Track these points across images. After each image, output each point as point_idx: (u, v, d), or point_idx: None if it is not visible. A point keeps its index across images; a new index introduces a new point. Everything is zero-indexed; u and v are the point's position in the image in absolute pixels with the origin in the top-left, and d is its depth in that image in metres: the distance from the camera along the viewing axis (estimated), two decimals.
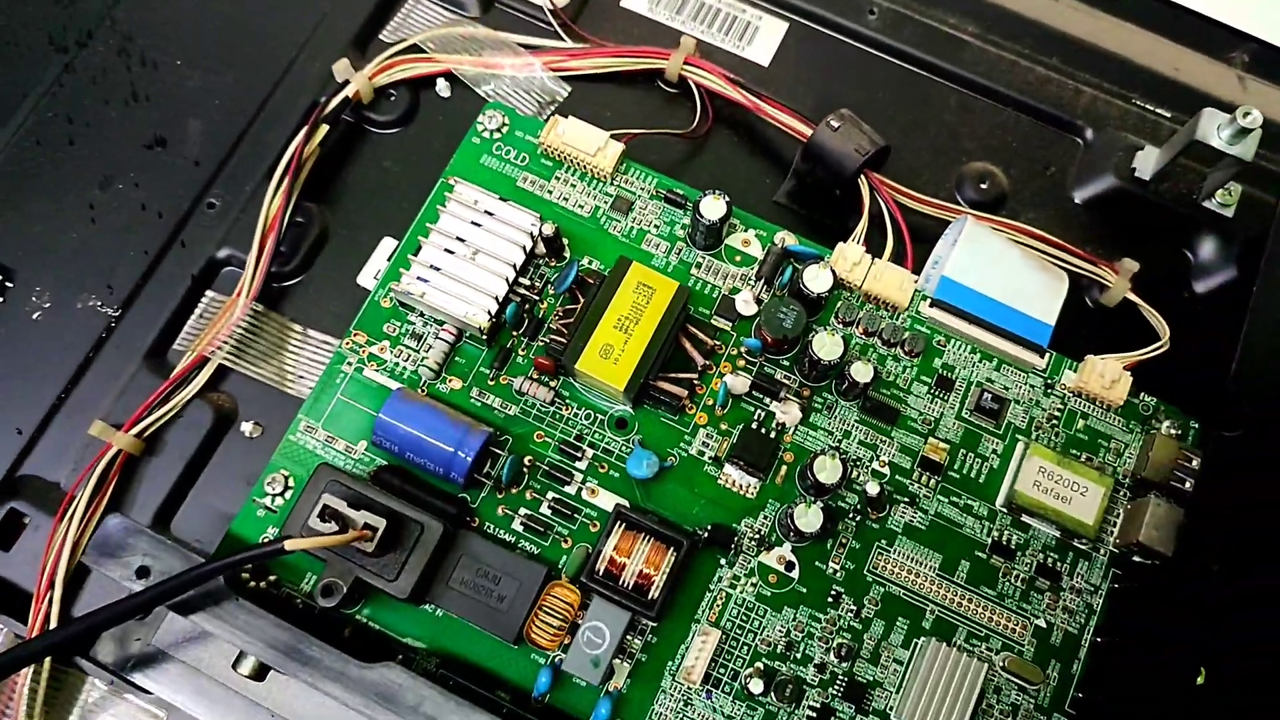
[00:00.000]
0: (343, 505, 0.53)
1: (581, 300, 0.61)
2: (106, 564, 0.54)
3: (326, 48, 0.71)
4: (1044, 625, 0.58)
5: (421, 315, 0.61)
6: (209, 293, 0.66)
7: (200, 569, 0.50)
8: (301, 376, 0.64)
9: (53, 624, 0.58)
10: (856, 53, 0.73)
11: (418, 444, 0.57)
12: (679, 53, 0.69)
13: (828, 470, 0.57)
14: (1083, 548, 0.59)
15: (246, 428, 0.64)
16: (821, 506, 0.57)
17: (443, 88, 0.71)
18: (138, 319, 0.65)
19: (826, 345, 0.58)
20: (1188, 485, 0.59)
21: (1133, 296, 0.65)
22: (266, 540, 0.56)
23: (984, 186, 0.69)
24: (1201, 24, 0.78)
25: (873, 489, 0.57)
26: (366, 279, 0.67)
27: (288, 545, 0.49)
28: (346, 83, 0.68)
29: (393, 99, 0.70)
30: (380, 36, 0.73)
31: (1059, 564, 0.59)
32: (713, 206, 0.61)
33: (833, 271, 0.60)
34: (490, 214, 0.62)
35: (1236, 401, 0.59)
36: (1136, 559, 0.59)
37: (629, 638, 0.56)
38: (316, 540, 0.50)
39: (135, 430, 0.62)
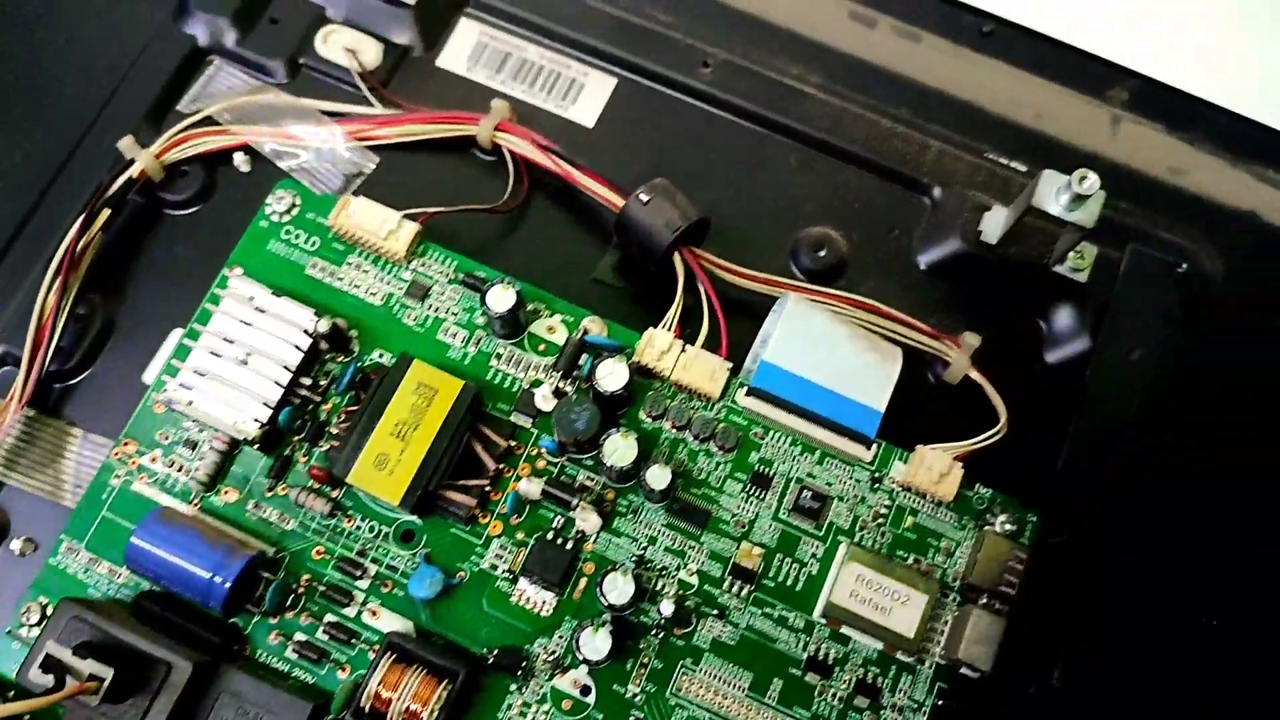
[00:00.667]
0: (66, 654, 0.48)
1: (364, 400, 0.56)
2: None
3: (120, 121, 0.67)
4: None
5: (196, 421, 0.57)
6: None
7: None
8: (79, 486, 0.60)
9: None
10: (688, 109, 0.68)
11: (173, 570, 0.53)
12: (490, 118, 0.64)
13: (619, 589, 0.52)
14: (906, 661, 0.54)
15: (15, 545, 0.59)
16: (611, 630, 0.52)
17: (241, 162, 0.66)
18: None
19: (619, 449, 0.54)
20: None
21: (974, 374, 0.60)
22: None
23: (821, 254, 0.64)
24: (1076, 59, 0.72)
25: (667, 609, 0.53)
26: (152, 376, 0.62)
27: None
28: (132, 161, 0.64)
29: (186, 176, 0.65)
30: (178, 107, 0.68)
31: (880, 679, 0.54)
32: (500, 297, 0.56)
33: (631, 366, 0.55)
34: (262, 311, 0.57)
35: (1065, 499, 0.54)
36: (965, 671, 0.54)
37: None
38: (12, 707, 0.45)
39: None
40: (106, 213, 0.62)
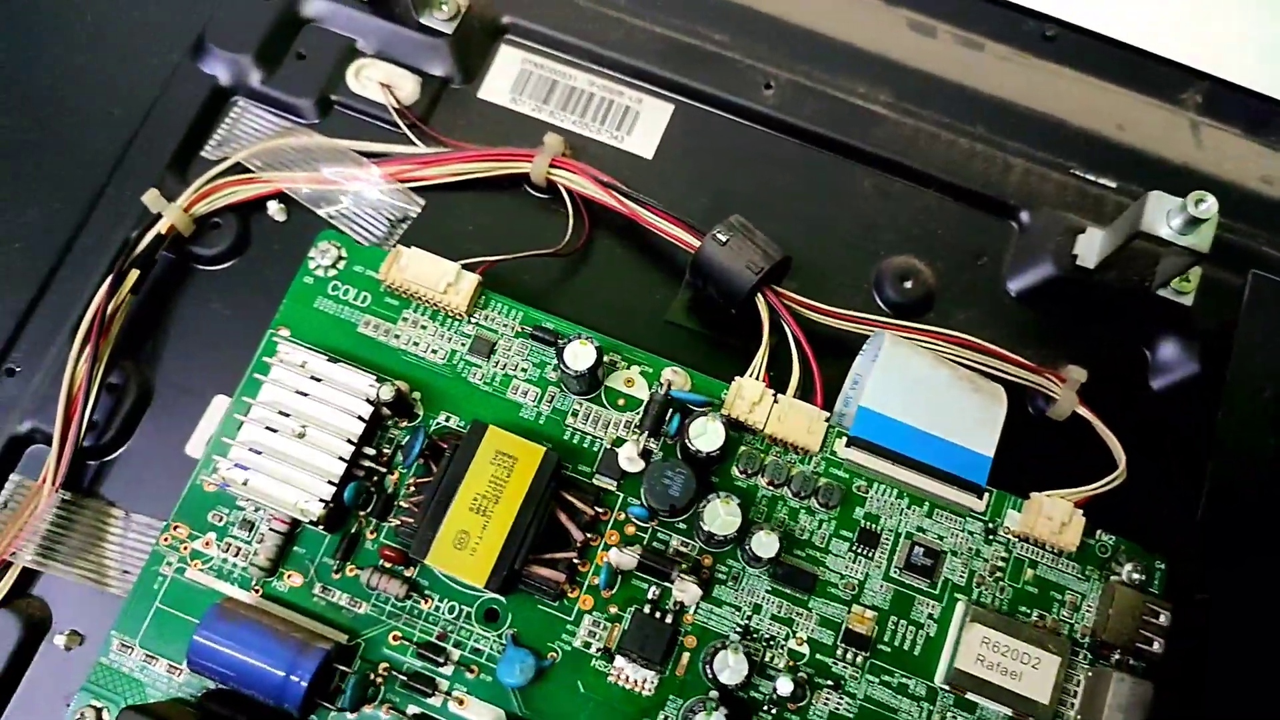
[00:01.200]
0: None
1: (435, 469, 0.52)
2: None
3: (141, 170, 0.62)
4: None
5: (252, 501, 0.52)
6: (13, 477, 0.57)
7: None
8: (126, 571, 0.55)
9: None
10: (753, 134, 0.63)
11: (243, 670, 0.48)
12: (544, 154, 0.60)
13: (730, 669, 0.48)
14: None
15: (60, 640, 0.54)
16: (726, 714, 0.48)
17: (276, 210, 0.61)
18: None
19: (720, 518, 0.49)
20: (1155, 647, 0.50)
21: (1084, 411, 0.56)
22: None
23: (907, 285, 0.60)
24: (1146, 63, 0.68)
25: (784, 687, 0.48)
26: (196, 448, 0.57)
27: None
28: (159, 216, 0.59)
29: (219, 228, 0.61)
30: (203, 153, 0.63)
31: None
32: (579, 354, 0.51)
33: (725, 422, 0.51)
34: (318, 380, 0.52)
35: (1203, 554, 0.51)
36: None
37: None
38: None
39: None
40: (135, 274, 0.58)
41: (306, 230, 0.60)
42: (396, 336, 0.55)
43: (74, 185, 0.62)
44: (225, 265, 0.61)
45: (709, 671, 0.48)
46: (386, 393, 0.52)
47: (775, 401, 0.53)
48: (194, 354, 0.59)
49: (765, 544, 0.49)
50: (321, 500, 0.50)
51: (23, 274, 0.60)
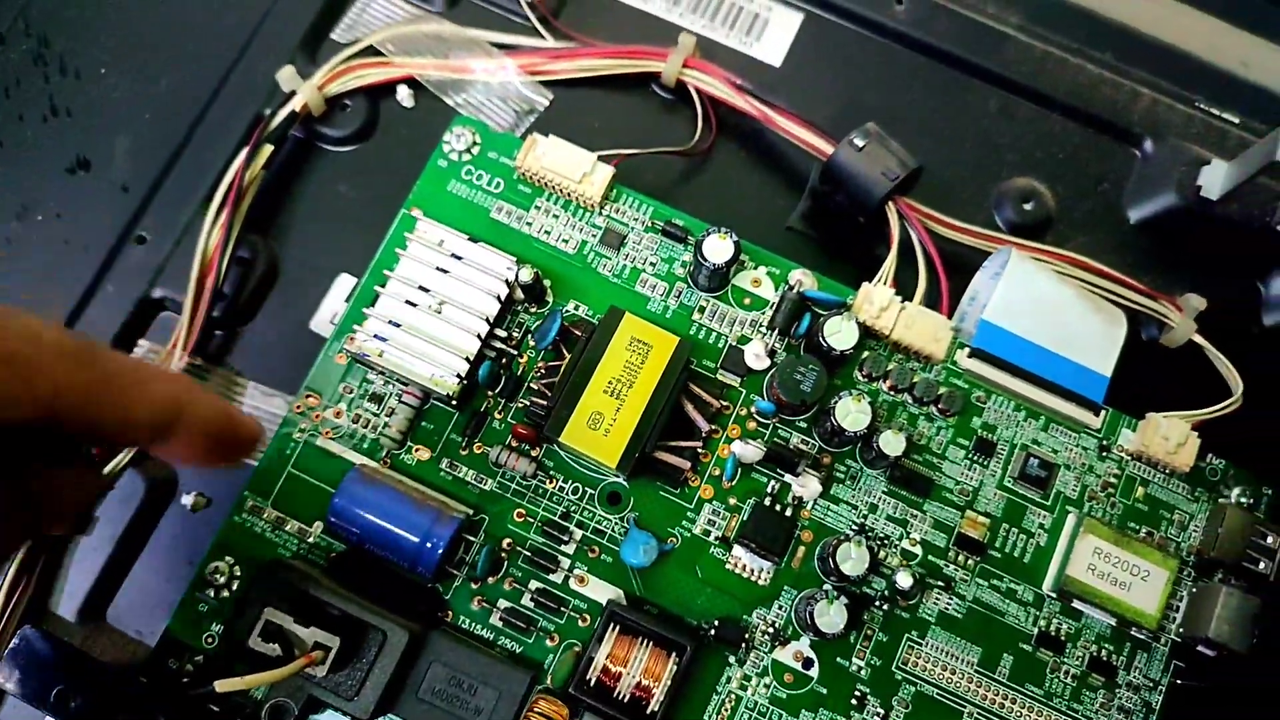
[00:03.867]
0: (288, 620, 0.45)
1: (566, 354, 0.53)
2: (21, 687, 0.46)
3: (271, 50, 0.62)
4: None
5: (381, 373, 0.53)
6: (142, 342, 0.58)
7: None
8: None
9: None
10: (881, 49, 0.63)
11: (379, 534, 0.49)
12: (677, 53, 0.60)
13: (853, 560, 0.49)
14: (1141, 637, 0.52)
15: (188, 500, 0.56)
16: (846, 603, 0.49)
17: (405, 96, 0.62)
18: None
19: (851, 414, 0.50)
20: (1261, 567, 0.51)
21: (1200, 340, 0.56)
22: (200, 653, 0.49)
23: (1028, 207, 0.61)
24: (1271, 5, 0.68)
25: (904, 581, 0.50)
26: (321, 324, 0.58)
27: (218, 687, 0.41)
28: (293, 94, 0.59)
29: (348, 110, 0.61)
30: (332, 36, 0.63)
31: (1114, 657, 0.52)
32: (718, 248, 0.52)
33: (859, 324, 0.52)
34: (458, 258, 0.53)
35: None
36: (1202, 650, 0.51)
37: None
38: (253, 679, 0.42)
39: None
40: (269, 149, 0.58)
41: (434, 117, 0.61)
42: (528, 224, 0.56)
43: (205, 60, 0.62)
44: (352, 148, 0.61)
45: (831, 562, 0.50)
46: (526, 275, 0.52)
47: (903, 308, 0.54)
48: (319, 233, 0.60)
49: (893, 442, 0.50)
50: (457, 375, 0.51)
51: (152, 144, 0.61)
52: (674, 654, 0.49)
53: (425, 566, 0.49)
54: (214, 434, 0.39)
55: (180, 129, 0.61)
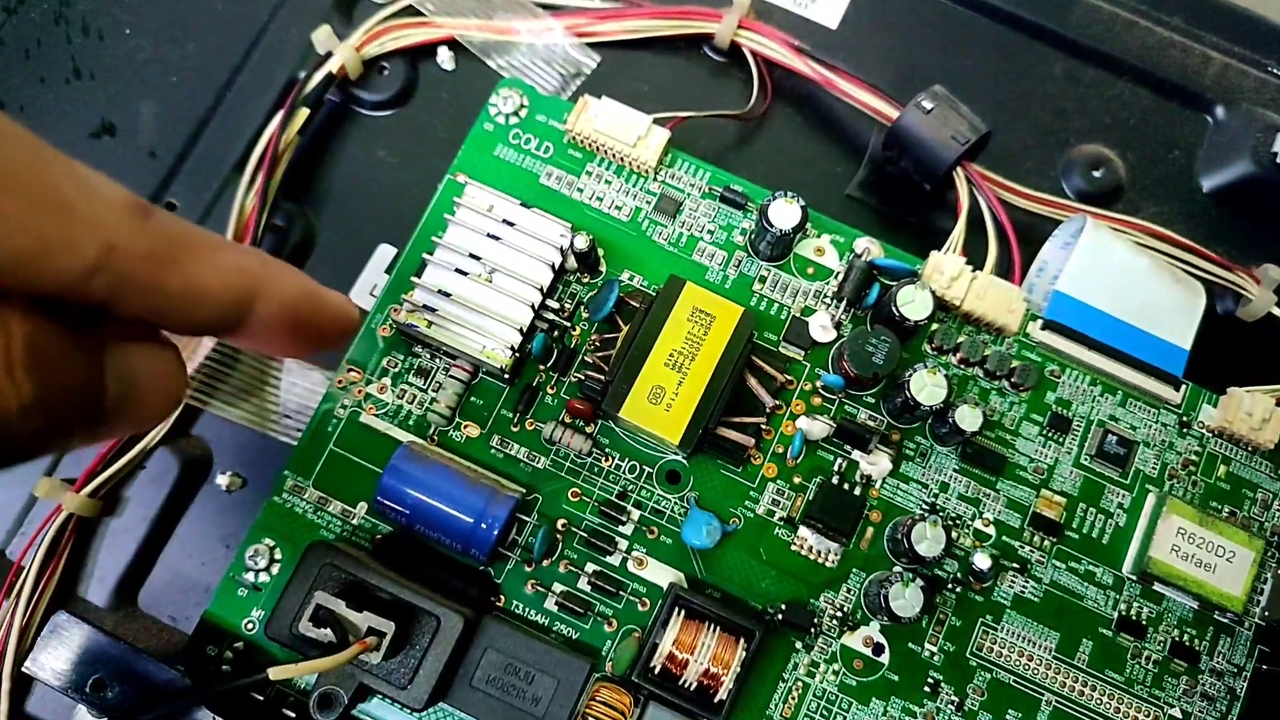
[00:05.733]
0: (340, 605, 0.42)
1: (623, 326, 0.50)
2: (55, 675, 0.44)
3: (304, 10, 0.59)
4: (1179, 716, 0.49)
5: (428, 345, 0.51)
6: None
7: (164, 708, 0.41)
8: (287, 417, 0.54)
9: None
10: (941, 10, 0.61)
11: (431, 515, 0.47)
12: (732, 13, 0.57)
13: (929, 540, 0.47)
14: (1224, 621, 0.50)
15: (223, 480, 0.53)
16: (922, 585, 0.47)
17: (445, 58, 0.59)
18: None
19: (927, 387, 0.48)
20: None
21: (1278, 311, 0.54)
22: (248, 643, 0.47)
23: (1097, 175, 0.58)
24: None
25: (982, 562, 0.47)
26: (361, 296, 0.56)
27: (272, 674, 0.39)
28: (329, 55, 0.56)
29: (385, 73, 0.58)
30: None
31: (1197, 641, 0.49)
32: (785, 213, 0.50)
33: (933, 294, 0.49)
34: (510, 224, 0.50)
35: None
36: None
37: None
38: (308, 665, 0.40)
39: (89, 489, 0.51)
40: (305, 112, 0.55)
41: (476, 81, 0.58)
42: (580, 190, 0.53)
43: (235, 20, 0.59)
44: (390, 112, 0.59)
45: (905, 543, 0.47)
46: (581, 242, 0.50)
47: (974, 278, 0.51)
48: (357, 201, 0.57)
49: (969, 417, 0.48)
50: (510, 348, 0.49)
51: (180, 108, 0.58)
52: (742, 639, 0.46)
53: (480, 548, 0.47)
54: (298, 316, 0.32)
55: (210, 93, 0.58)
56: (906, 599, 0.46)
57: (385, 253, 0.56)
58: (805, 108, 0.59)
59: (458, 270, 0.50)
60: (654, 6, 0.59)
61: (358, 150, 0.58)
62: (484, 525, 0.47)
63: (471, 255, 0.50)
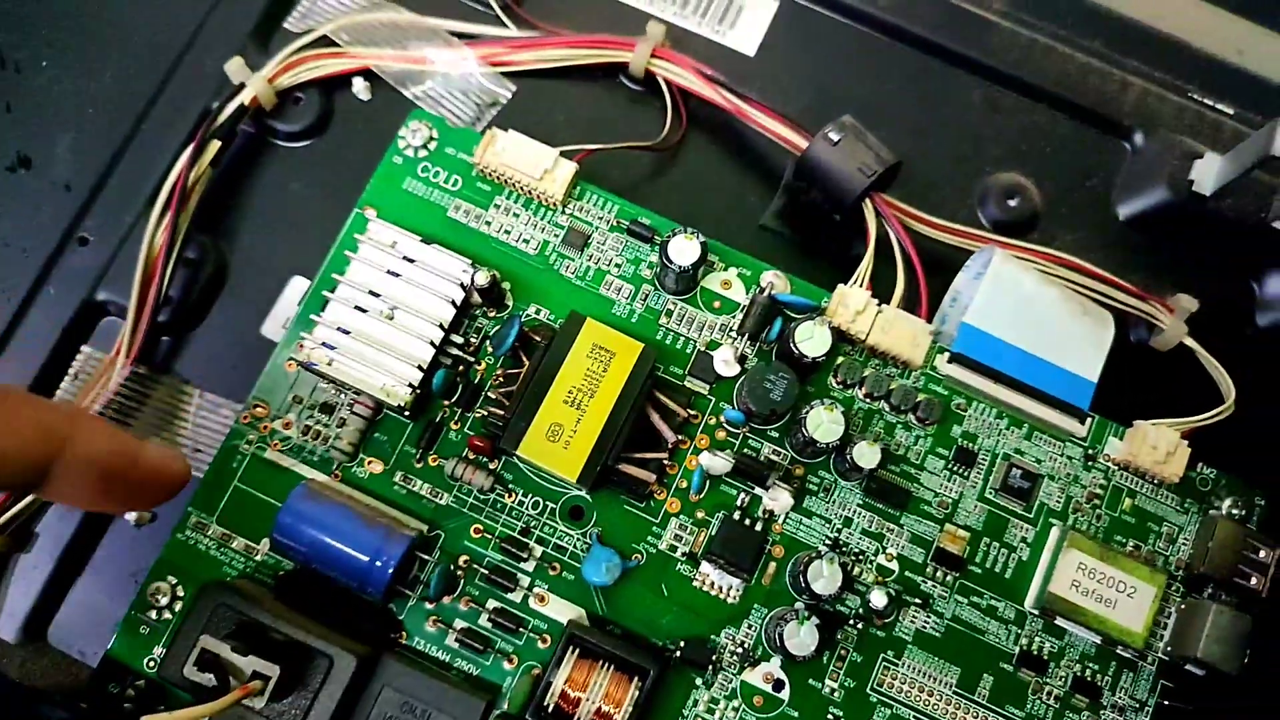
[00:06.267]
0: (224, 649, 0.43)
1: (527, 361, 0.50)
2: None
3: (220, 41, 0.59)
4: None
5: (331, 382, 0.51)
6: (84, 348, 0.55)
7: None
8: (198, 450, 0.54)
9: None
10: (860, 37, 0.61)
11: (327, 553, 0.47)
12: (645, 43, 0.57)
13: (824, 579, 0.47)
14: (1127, 656, 0.50)
15: (131, 515, 0.53)
16: (817, 624, 0.47)
17: (361, 88, 0.59)
18: (1, 381, 0.54)
19: (824, 425, 0.48)
20: (1254, 583, 0.49)
21: (1191, 343, 0.54)
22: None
23: (1012, 204, 0.58)
24: None
25: (879, 600, 0.47)
26: (273, 329, 0.56)
27: None
28: (242, 86, 0.56)
29: (300, 104, 0.58)
30: (285, 25, 0.60)
31: (1099, 676, 0.49)
32: (684, 249, 0.50)
33: (831, 330, 0.49)
34: (411, 260, 0.50)
35: None
36: (1190, 669, 0.49)
37: None
38: (184, 714, 0.40)
39: None
40: (216, 145, 0.55)
41: (391, 111, 0.58)
42: (487, 224, 0.53)
43: (151, 51, 0.59)
44: (305, 143, 0.59)
45: (802, 581, 0.47)
46: (482, 278, 0.50)
47: (879, 311, 0.51)
48: (271, 233, 0.57)
49: (867, 455, 0.48)
50: (410, 385, 0.49)
51: (96, 141, 0.58)
52: (637, 678, 0.46)
53: (375, 587, 0.47)
54: (107, 474, 0.33)
55: (125, 125, 0.58)
56: (801, 638, 0.46)
57: (299, 284, 0.56)
58: (720, 137, 0.59)
59: (358, 308, 0.50)
60: (570, 36, 0.58)
61: (272, 181, 0.58)
62: (379, 563, 0.47)
63: (372, 292, 0.50)
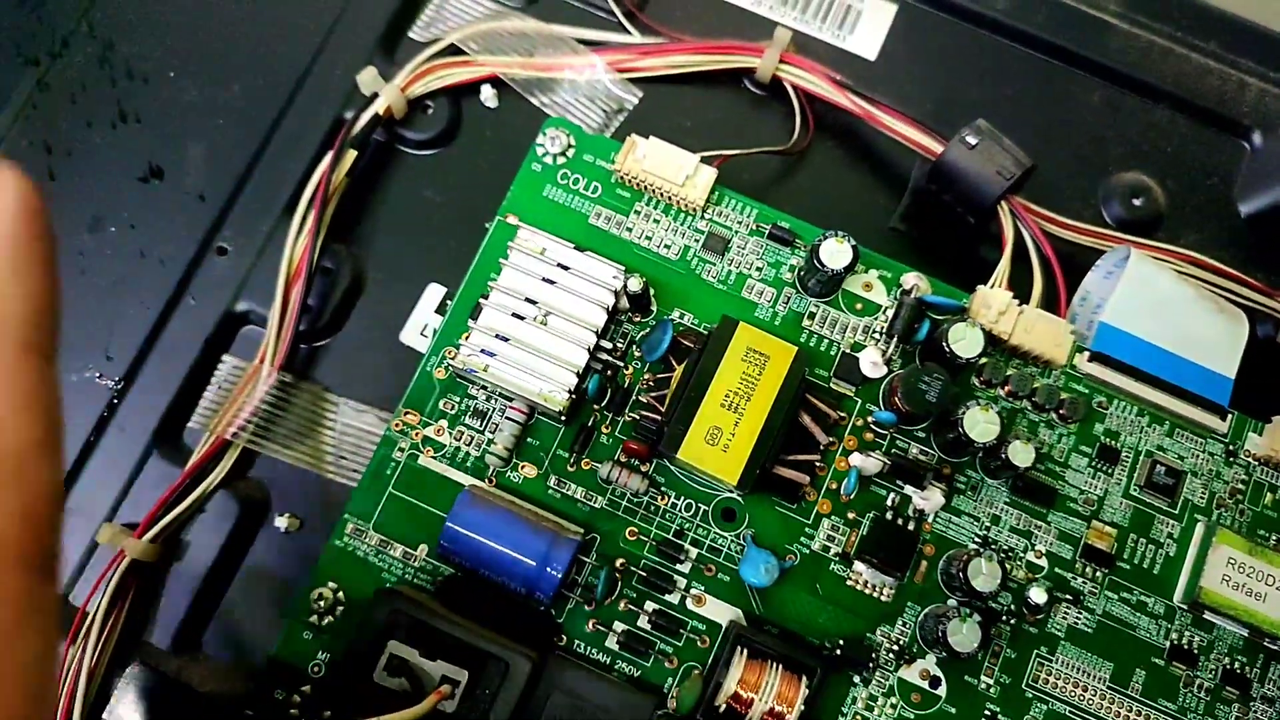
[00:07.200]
0: (414, 654, 0.43)
1: (675, 365, 0.51)
2: None
3: (347, 50, 0.60)
4: None
5: (484, 388, 0.51)
6: (226, 358, 0.56)
7: None
8: (343, 458, 0.54)
9: None
10: (979, 40, 0.61)
11: (495, 559, 0.48)
12: (773, 48, 0.58)
13: (984, 575, 0.48)
14: (1274, 648, 0.50)
15: (281, 522, 0.54)
16: (979, 621, 0.47)
17: (489, 96, 0.59)
18: (144, 393, 0.55)
19: (980, 424, 0.48)
20: None
21: None
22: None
23: (1137, 203, 0.59)
24: None
25: (1038, 596, 0.48)
26: (411, 335, 0.56)
27: None
28: (375, 96, 0.57)
29: (430, 112, 0.59)
30: (411, 34, 0.61)
31: (1248, 669, 0.50)
32: (836, 253, 0.50)
33: (983, 331, 0.50)
34: (565, 268, 0.51)
35: None
36: None
37: None
38: (392, 719, 0.40)
39: (150, 534, 0.52)
40: (353, 154, 0.56)
41: (519, 118, 0.59)
42: (628, 230, 0.54)
43: (278, 62, 0.60)
44: (436, 151, 0.59)
45: (961, 578, 0.48)
46: (635, 284, 0.50)
47: (1021, 311, 0.52)
48: (405, 241, 0.58)
49: (1022, 454, 0.49)
50: (567, 390, 0.49)
51: (228, 151, 0.58)
52: (804, 676, 0.47)
53: (544, 591, 0.47)
54: None
55: (256, 134, 0.58)
56: (964, 635, 0.47)
57: (435, 292, 0.57)
58: (846, 140, 0.59)
59: (514, 314, 0.50)
60: (695, 42, 0.59)
61: (403, 189, 0.58)
62: (549, 569, 0.47)
63: (527, 299, 0.51)
